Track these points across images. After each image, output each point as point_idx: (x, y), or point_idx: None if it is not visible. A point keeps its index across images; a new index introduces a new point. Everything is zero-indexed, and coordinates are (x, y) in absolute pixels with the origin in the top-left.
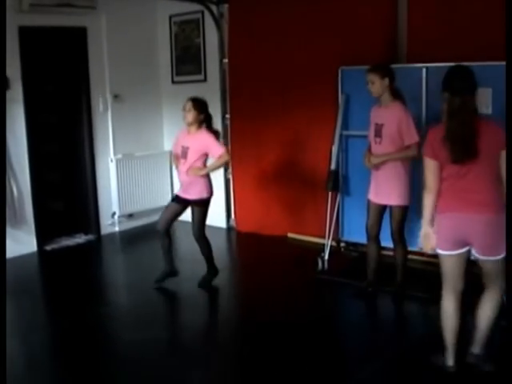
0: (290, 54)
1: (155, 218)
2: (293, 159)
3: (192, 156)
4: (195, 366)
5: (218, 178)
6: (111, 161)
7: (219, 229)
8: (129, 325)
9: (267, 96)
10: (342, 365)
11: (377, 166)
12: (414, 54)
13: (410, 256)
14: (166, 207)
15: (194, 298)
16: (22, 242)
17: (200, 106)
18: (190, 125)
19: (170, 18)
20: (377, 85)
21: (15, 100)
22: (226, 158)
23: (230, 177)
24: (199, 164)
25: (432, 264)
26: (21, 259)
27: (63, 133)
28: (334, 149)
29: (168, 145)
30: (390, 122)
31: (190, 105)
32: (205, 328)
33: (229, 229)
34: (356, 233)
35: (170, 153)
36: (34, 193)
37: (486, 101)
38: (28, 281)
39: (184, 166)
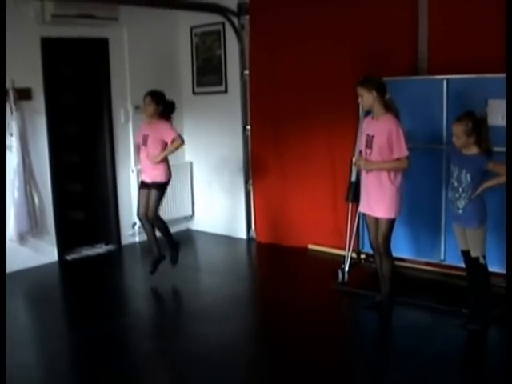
0: (311, 66)
1: (175, 228)
2: (313, 170)
3: (151, 143)
4: (214, 376)
5: (238, 189)
6: (132, 171)
7: (239, 239)
8: (148, 335)
9: (288, 107)
10: (360, 376)
11: (367, 172)
12: (435, 65)
13: (426, 267)
14: (138, 195)
15: (213, 308)
16: (43, 252)
17: (158, 98)
18: (150, 117)
19: (191, 29)
20: (365, 98)
21: (37, 111)
22: (177, 141)
23: (251, 188)
24: (157, 151)
25: (449, 276)
26: (42, 269)
27: (85, 143)
28: (355, 160)
29: (189, 155)
30: (380, 133)
31: (148, 99)
32: (224, 338)
33: (249, 240)
34: None
35: (191, 163)
36: (56, 203)
37: (503, 112)
38: (48, 290)
39: (143, 152)
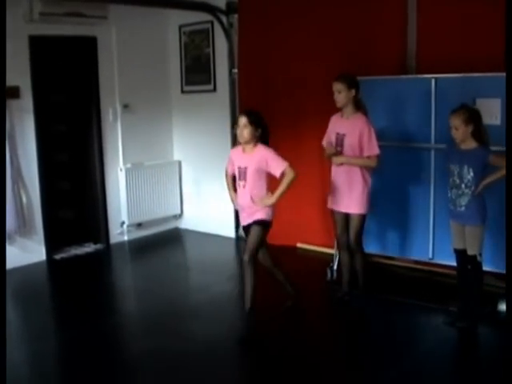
0: (300, 64)
1: (164, 227)
2: (302, 169)
3: (252, 176)
4: (204, 375)
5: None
6: (120, 170)
7: (228, 238)
8: (138, 334)
9: (277, 106)
10: (351, 375)
11: (339, 166)
12: (424, 64)
13: (415, 265)
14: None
15: (203, 306)
16: (31, 251)
17: (256, 119)
18: (246, 143)
19: (180, 27)
20: (343, 94)
21: (25, 109)
22: (290, 175)
23: None
24: (259, 187)
25: (437, 274)
26: (30, 268)
27: (73, 142)
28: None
29: (177, 154)
30: (352, 132)
31: (244, 120)
32: (214, 337)
33: (238, 238)
34: (364, 243)
35: (179, 162)
36: (44, 202)
37: (495, 111)
38: (37, 289)
39: (245, 188)
